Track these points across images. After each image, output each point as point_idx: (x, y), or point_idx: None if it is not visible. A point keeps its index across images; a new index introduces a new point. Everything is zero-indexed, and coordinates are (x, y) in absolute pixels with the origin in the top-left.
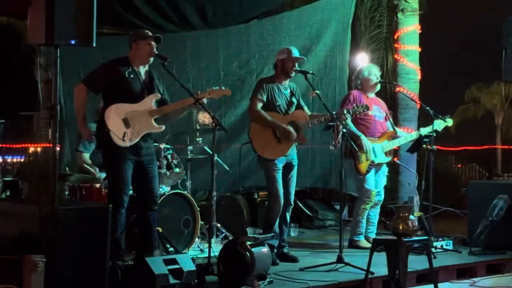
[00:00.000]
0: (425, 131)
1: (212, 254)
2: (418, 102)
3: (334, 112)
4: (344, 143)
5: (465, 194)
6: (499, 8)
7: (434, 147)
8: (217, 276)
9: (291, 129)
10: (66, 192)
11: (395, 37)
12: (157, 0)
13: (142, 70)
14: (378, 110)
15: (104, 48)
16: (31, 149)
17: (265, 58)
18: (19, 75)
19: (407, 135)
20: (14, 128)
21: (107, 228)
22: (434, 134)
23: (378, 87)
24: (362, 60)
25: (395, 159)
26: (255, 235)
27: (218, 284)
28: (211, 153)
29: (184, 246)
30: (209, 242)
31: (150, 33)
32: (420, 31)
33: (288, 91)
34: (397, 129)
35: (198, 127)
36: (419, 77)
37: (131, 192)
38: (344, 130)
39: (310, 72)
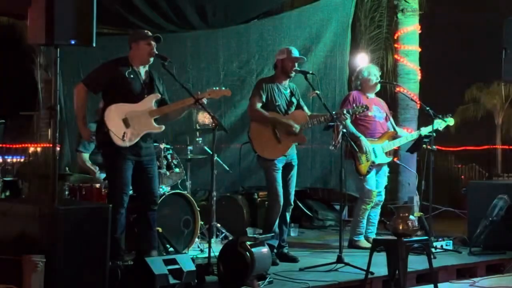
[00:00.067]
0: (426, 130)
1: (212, 254)
2: (418, 102)
3: (334, 112)
4: (344, 143)
5: (465, 194)
6: (499, 8)
7: (434, 147)
8: (217, 276)
9: (291, 122)
10: (66, 192)
11: (395, 37)
12: (157, 0)
13: (142, 70)
14: (378, 111)
15: (104, 48)
16: (31, 149)
17: (265, 58)
18: (19, 75)
19: (408, 134)
20: (14, 128)
21: (107, 228)
22: (434, 134)
23: (378, 87)
24: (362, 60)
25: (395, 159)
26: (255, 235)
27: (218, 284)
28: (211, 153)
29: (184, 246)
30: (209, 242)
31: (150, 33)
32: (420, 31)
33: (288, 91)
34: (398, 128)
35: (198, 127)
36: (419, 77)
37: (131, 192)
38: (344, 130)
39: (310, 72)
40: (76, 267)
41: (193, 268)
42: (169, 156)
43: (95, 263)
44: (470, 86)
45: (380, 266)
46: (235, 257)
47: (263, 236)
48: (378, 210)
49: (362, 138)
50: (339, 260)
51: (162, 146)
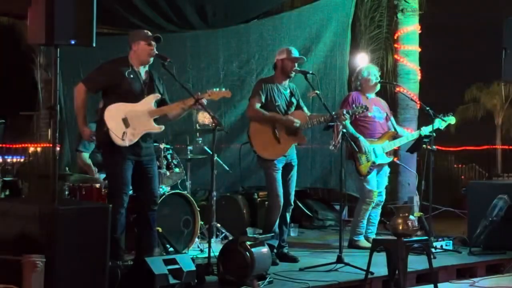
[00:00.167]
0: (426, 130)
1: (212, 254)
2: (418, 102)
3: (333, 113)
4: (344, 143)
5: (465, 194)
6: (499, 8)
7: (434, 147)
8: (217, 276)
9: (291, 117)
10: (66, 192)
11: (395, 37)
12: (157, 0)
13: (142, 70)
14: (378, 111)
15: (104, 48)
16: (31, 149)
17: (265, 58)
18: (19, 75)
19: (408, 134)
20: (14, 128)
21: (107, 228)
22: (434, 134)
23: (378, 87)
24: (362, 60)
25: (395, 159)
26: (255, 235)
27: (218, 284)
28: (211, 153)
29: (184, 246)
30: (209, 242)
31: (150, 33)
32: (420, 31)
33: (288, 91)
34: (399, 128)
35: (198, 127)
36: (419, 77)
37: (131, 192)
38: (344, 130)
39: (310, 72)
40: (76, 267)
41: (193, 268)
42: (169, 156)
43: (95, 263)
44: (470, 86)
45: (380, 266)
46: (235, 257)
47: (263, 236)
48: (378, 210)
49: (361, 138)
50: (339, 260)
51: (162, 146)
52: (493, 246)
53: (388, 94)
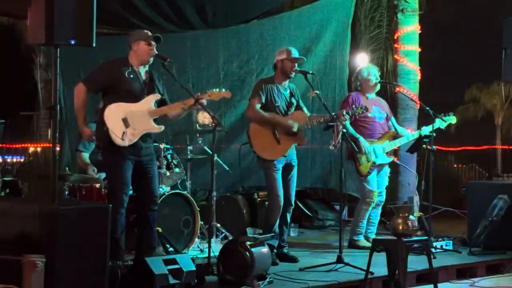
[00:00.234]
0: (427, 130)
1: (212, 254)
2: (418, 102)
3: (333, 113)
4: (344, 143)
5: (465, 194)
6: (499, 8)
7: (434, 147)
8: (217, 276)
9: (290, 121)
10: (66, 192)
11: (395, 37)
12: (157, 0)
13: (142, 70)
14: (378, 111)
15: (104, 48)
16: (31, 149)
17: (265, 58)
18: (19, 75)
19: (409, 134)
20: (14, 128)
21: (107, 228)
22: (434, 134)
23: (378, 87)
24: (362, 60)
25: (395, 159)
26: (255, 235)
27: (218, 284)
28: (211, 153)
29: (184, 246)
30: (209, 242)
31: (150, 33)
32: (420, 31)
33: (288, 91)
34: (400, 128)
35: (198, 128)
36: (419, 77)
37: (131, 192)
38: (344, 130)
39: (310, 72)
40: (76, 267)
41: (193, 268)
42: (169, 156)
43: (95, 263)
44: (470, 86)
45: (380, 266)
46: (235, 257)
47: (263, 236)
48: (378, 211)
49: (361, 139)
50: (339, 260)
51: (162, 146)
52: (493, 246)
53: (388, 94)
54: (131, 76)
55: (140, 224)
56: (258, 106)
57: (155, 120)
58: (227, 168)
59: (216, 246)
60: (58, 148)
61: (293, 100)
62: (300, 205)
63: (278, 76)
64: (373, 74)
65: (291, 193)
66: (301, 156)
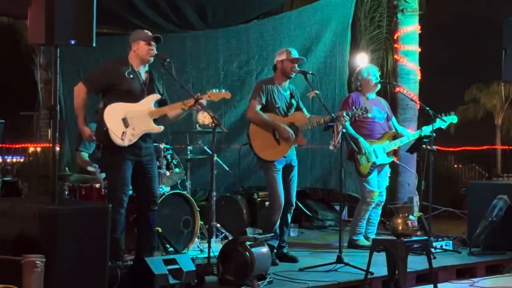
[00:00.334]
0: (427, 130)
1: (211, 254)
2: (418, 102)
3: (333, 114)
4: (344, 143)
5: (465, 195)
6: (499, 8)
7: (434, 147)
8: (216, 276)
9: (290, 131)
10: (66, 192)
11: (395, 38)
12: (157, 0)
13: (142, 70)
14: (378, 111)
15: (104, 48)
16: (31, 149)
17: (264, 59)
18: (19, 75)
19: (410, 134)
20: (14, 128)
21: (107, 228)
22: (434, 134)
23: (378, 87)
24: (362, 60)
25: (395, 159)
26: (255, 235)
27: (218, 284)
28: (211, 153)
29: (183, 246)
30: (209, 242)
31: (150, 33)
32: (420, 31)
33: (288, 92)
34: (401, 127)
35: (198, 128)
36: (419, 77)
37: (130, 192)
38: (344, 130)
39: (310, 72)
40: (76, 267)
41: (193, 268)
42: (169, 156)
43: (95, 263)
44: (470, 86)
45: (380, 266)
46: (235, 257)
47: (263, 236)
48: (378, 211)
49: (361, 139)
50: (339, 260)
51: (162, 146)
52: (493, 246)
53: (388, 94)
54: (131, 76)
55: (140, 224)
56: (258, 107)
57: (155, 120)
58: (227, 168)
59: (216, 246)
60: (58, 148)
61: (293, 101)
62: (300, 205)
63: (278, 77)
64: (373, 74)
65: (291, 194)
66: (301, 156)
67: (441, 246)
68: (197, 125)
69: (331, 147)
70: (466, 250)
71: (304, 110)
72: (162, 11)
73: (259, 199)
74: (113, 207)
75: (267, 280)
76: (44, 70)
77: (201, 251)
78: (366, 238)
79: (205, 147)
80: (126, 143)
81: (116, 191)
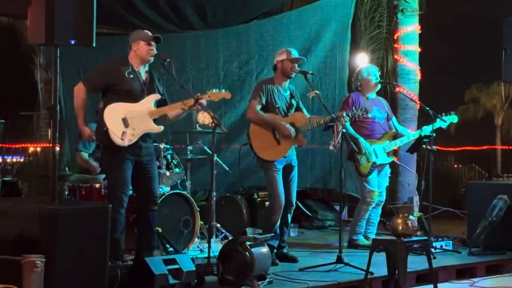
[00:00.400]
0: (427, 130)
1: (211, 254)
2: (418, 102)
3: (333, 115)
4: (344, 143)
5: (465, 195)
6: (499, 8)
7: (434, 147)
8: (216, 276)
9: (291, 128)
10: (66, 192)
11: (395, 38)
12: (157, 0)
13: (142, 70)
14: (378, 111)
15: (104, 48)
16: (31, 149)
17: (265, 59)
18: (19, 75)
19: (410, 134)
20: (14, 128)
21: (107, 228)
22: (434, 134)
23: (378, 87)
24: (362, 60)
25: (395, 159)
26: (255, 235)
27: (218, 284)
28: (211, 153)
29: (183, 246)
30: (209, 242)
31: (150, 33)
32: (420, 31)
33: (288, 93)
34: (401, 127)
35: (198, 128)
36: (419, 77)
37: (130, 192)
38: (344, 130)
39: (310, 72)
40: (76, 267)
41: (193, 268)
42: (169, 156)
43: (95, 263)
44: (470, 86)
45: (380, 266)
46: (235, 257)
47: (263, 236)
48: (378, 211)
49: (361, 139)
50: (339, 260)
51: (162, 146)
52: (493, 246)
53: (388, 94)
54: (131, 76)
55: (140, 224)
56: (258, 107)
57: (155, 121)
58: (227, 168)
59: (216, 246)
60: (58, 148)
61: (293, 102)
62: (300, 205)
63: (278, 77)
64: (373, 74)
65: (292, 194)
66: (301, 156)
67: (441, 246)
68: (197, 125)
69: (331, 147)
70: (466, 250)
71: (304, 110)
72: (162, 11)
73: (259, 199)
74: (113, 207)
75: (267, 280)
76: (44, 70)
77: (201, 251)
78: (366, 238)
79: (205, 147)
80: (126, 143)
81: (116, 191)
